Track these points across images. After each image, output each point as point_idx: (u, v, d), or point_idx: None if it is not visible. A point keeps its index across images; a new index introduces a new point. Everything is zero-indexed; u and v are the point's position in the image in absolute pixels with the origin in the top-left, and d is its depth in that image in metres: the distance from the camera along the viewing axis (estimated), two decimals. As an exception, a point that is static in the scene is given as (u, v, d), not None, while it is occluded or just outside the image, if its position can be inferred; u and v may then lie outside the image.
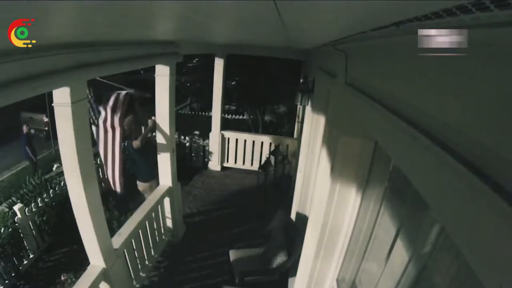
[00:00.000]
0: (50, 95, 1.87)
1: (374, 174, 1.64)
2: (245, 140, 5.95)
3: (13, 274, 3.46)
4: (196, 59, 9.02)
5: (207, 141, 6.06)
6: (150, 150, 3.83)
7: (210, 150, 5.98)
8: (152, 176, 3.96)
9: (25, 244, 3.67)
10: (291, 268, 2.93)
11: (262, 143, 5.91)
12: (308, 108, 3.83)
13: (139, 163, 3.92)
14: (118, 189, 3.26)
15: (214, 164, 6.03)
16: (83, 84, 1.90)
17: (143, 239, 3.21)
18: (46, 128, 8.61)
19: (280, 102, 9.30)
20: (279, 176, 5.54)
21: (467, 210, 0.49)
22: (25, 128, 6.62)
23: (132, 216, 3.15)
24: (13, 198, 4.49)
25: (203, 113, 9.74)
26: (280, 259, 2.95)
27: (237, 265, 3.16)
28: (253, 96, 8.30)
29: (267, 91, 7.98)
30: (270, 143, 5.83)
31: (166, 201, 3.68)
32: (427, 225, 1.05)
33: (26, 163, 7.10)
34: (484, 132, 0.47)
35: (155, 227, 3.50)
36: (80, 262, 3.12)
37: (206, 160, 6.16)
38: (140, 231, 3.11)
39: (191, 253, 3.78)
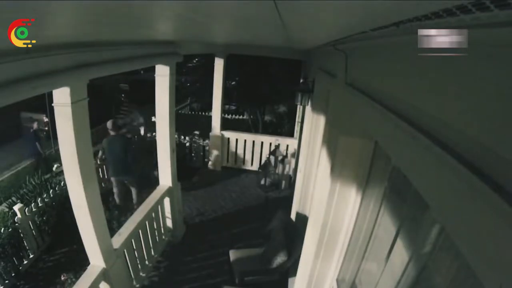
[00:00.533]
0: (50, 95, 1.87)
1: (374, 174, 1.64)
2: (245, 140, 5.95)
3: (13, 274, 3.45)
4: (196, 59, 9.03)
5: (207, 141, 6.06)
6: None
7: (210, 150, 5.98)
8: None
9: (25, 244, 3.66)
10: (291, 268, 2.93)
11: (262, 143, 5.90)
12: (308, 108, 3.83)
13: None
14: None
15: (214, 164, 6.03)
16: (83, 84, 1.90)
17: (143, 239, 3.21)
18: (46, 128, 8.61)
19: (280, 102, 9.30)
20: (279, 176, 5.54)
21: (467, 210, 0.49)
22: (35, 125, 6.82)
23: (132, 216, 3.15)
24: (13, 198, 4.49)
25: (203, 113, 9.74)
26: (280, 259, 2.95)
27: (237, 265, 3.16)
28: (253, 96, 8.30)
29: (267, 91, 7.98)
30: (270, 143, 5.82)
31: (166, 201, 3.68)
32: (427, 225, 1.05)
33: (27, 162, 7.11)
34: (484, 132, 0.47)
35: (155, 227, 3.50)
36: (80, 262, 3.12)
37: (206, 160, 6.16)
38: (140, 231, 3.11)
39: (191, 253, 3.78)
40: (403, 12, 0.56)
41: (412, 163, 0.75)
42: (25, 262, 3.65)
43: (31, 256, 3.74)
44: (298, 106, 5.50)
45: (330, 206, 1.78)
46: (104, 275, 2.37)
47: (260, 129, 8.58)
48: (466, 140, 0.51)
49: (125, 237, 2.77)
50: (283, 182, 5.56)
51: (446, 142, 0.56)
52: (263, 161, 5.69)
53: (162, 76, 3.18)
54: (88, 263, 2.39)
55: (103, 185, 5.21)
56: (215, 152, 5.94)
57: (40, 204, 3.89)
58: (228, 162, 6.08)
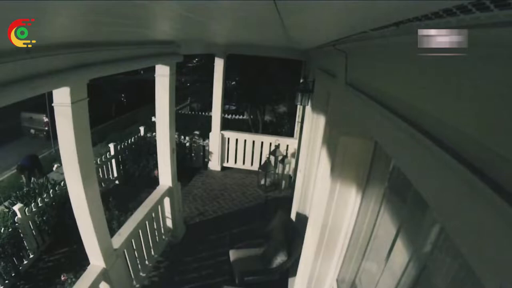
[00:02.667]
0: (50, 95, 1.87)
1: (374, 174, 1.65)
2: (245, 140, 5.94)
3: (13, 274, 3.46)
4: (196, 59, 9.04)
5: (207, 141, 6.06)
6: None
7: (210, 150, 5.98)
8: None
9: (25, 244, 3.67)
10: (291, 268, 2.93)
11: (262, 143, 5.90)
12: (308, 108, 3.83)
13: None
14: None
15: (214, 164, 6.03)
16: (83, 84, 1.90)
17: (143, 239, 3.21)
18: (46, 128, 8.60)
19: (280, 102, 9.31)
20: (279, 176, 5.54)
21: (467, 210, 0.49)
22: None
23: (132, 216, 3.15)
24: (13, 198, 4.49)
25: (203, 113, 9.73)
26: (280, 259, 2.95)
27: (237, 265, 3.16)
28: (253, 96, 8.30)
29: (267, 91, 7.98)
30: (270, 143, 5.82)
31: (166, 201, 3.68)
32: (427, 225, 1.05)
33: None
34: (484, 132, 0.47)
35: (155, 227, 3.50)
36: (80, 262, 3.12)
37: (206, 160, 6.16)
38: (140, 231, 3.11)
39: (191, 253, 3.78)
40: (403, 12, 0.56)
41: (412, 163, 0.75)
42: (25, 262, 3.66)
43: (31, 256, 3.74)
44: (298, 106, 5.50)
45: (330, 206, 1.78)
46: (104, 275, 2.37)
47: (260, 129, 8.57)
48: (466, 140, 0.51)
49: (125, 237, 2.77)
50: (283, 182, 5.56)
51: (446, 142, 0.56)
52: (263, 161, 5.69)
53: (162, 76, 3.18)
54: (88, 263, 2.39)
55: (103, 185, 5.22)
56: (215, 152, 5.94)
57: (40, 204, 3.89)
58: (228, 162, 6.08)
